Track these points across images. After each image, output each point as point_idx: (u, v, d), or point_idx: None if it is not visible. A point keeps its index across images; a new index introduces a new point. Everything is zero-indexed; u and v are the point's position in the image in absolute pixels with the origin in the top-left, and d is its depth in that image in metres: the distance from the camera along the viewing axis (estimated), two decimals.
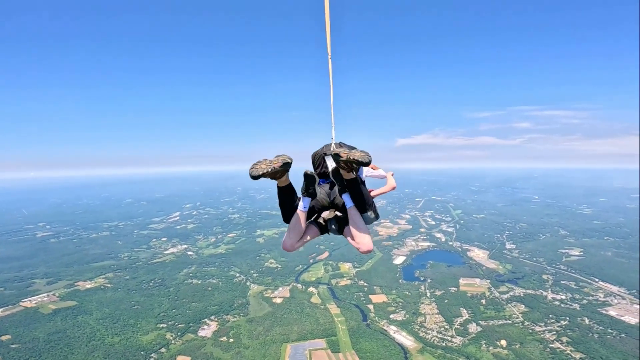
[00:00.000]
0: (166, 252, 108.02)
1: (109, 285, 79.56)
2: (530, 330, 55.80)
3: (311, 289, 75.05)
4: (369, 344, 52.58)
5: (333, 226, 5.16)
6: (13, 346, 50.88)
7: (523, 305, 63.16)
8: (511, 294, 68.35)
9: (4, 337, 53.13)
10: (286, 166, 4.39)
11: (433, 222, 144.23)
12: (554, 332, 52.94)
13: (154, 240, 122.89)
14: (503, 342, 51.79)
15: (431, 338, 54.20)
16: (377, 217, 4.93)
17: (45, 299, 70.84)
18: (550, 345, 49.81)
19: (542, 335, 53.32)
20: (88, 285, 79.69)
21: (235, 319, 61.86)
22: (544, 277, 76.25)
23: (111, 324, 59.34)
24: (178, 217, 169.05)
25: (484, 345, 51.78)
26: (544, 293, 67.93)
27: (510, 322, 58.32)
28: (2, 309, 64.43)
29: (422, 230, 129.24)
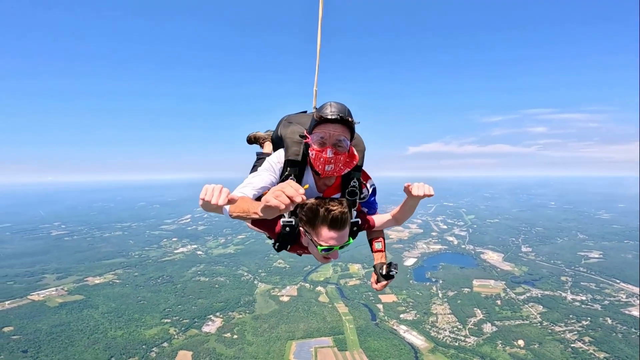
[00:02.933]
0: (176, 251, 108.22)
1: (117, 281, 79.58)
2: (550, 331, 53.46)
3: (319, 288, 73.53)
4: (377, 342, 50.75)
5: None
6: (14, 337, 50.54)
7: (541, 306, 60.58)
8: (528, 294, 65.81)
9: (6, 329, 52.94)
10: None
11: (445, 227, 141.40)
12: (575, 332, 50.82)
13: (165, 240, 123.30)
14: (520, 342, 49.50)
15: (443, 338, 52.08)
16: None
17: (54, 292, 71.06)
18: (572, 345, 47.69)
19: (562, 335, 51.05)
20: (97, 280, 79.87)
21: (240, 315, 60.76)
22: (563, 278, 73.47)
23: (115, 318, 58.82)
24: (189, 219, 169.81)
25: (499, 345, 49.55)
26: (563, 294, 65.27)
27: (527, 322, 55.93)
28: (9, 302, 64.56)
29: (433, 234, 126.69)
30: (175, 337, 52.64)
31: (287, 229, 3.08)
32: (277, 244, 3.27)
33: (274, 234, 3.19)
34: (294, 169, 3.14)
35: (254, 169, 3.63)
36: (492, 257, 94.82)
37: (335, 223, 2.82)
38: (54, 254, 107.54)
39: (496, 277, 77.18)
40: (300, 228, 2.99)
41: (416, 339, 51.77)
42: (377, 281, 3.67)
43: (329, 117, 2.78)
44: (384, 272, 3.52)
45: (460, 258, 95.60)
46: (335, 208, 2.85)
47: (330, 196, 3.22)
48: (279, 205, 2.15)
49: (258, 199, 3.03)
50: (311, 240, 2.98)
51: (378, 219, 3.65)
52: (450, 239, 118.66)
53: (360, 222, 3.40)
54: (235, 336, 53.14)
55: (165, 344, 50.50)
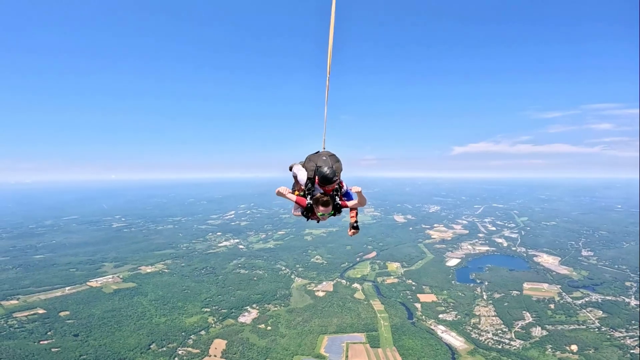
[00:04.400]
0: (220, 244, 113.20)
1: (166, 270, 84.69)
2: (608, 336, 48.93)
3: (355, 285, 72.80)
4: (412, 341, 48.63)
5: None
6: (68, 321, 54.86)
7: (600, 311, 55.63)
8: (586, 299, 60.69)
9: (62, 313, 57.73)
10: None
11: (493, 228, 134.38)
12: (637, 339, 46.02)
13: (210, 234, 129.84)
14: (574, 347, 45.59)
15: (485, 340, 48.97)
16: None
17: (110, 280, 77.04)
18: (632, 351, 43.14)
19: (622, 341, 46.51)
20: (149, 269, 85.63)
21: (276, 308, 61.80)
22: (627, 284, 67.27)
23: (161, 305, 62.28)
24: (233, 215, 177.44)
25: (549, 350, 45.90)
26: (627, 300, 59.45)
27: (584, 327, 51.66)
28: (69, 287, 70.83)
29: (480, 235, 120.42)
30: (213, 325, 54.51)
31: (309, 205, 6.40)
32: (305, 212, 6.60)
33: (304, 208, 6.48)
34: (310, 181, 6.49)
35: (295, 178, 7.18)
36: (547, 260, 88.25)
37: (323, 204, 6.11)
38: (113, 244, 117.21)
39: (551, 280, 71.58)
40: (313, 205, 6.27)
41: (455, 340, 48.93)
42: (350, 230, 7.03)
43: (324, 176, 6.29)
44: (353, 224, 6.86)
45: (509, 260, 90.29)
46: (323, 197, 6.12)
47: (329, 192, 6.44)
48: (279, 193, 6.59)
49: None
50: (315, 211, 6.28)
51: (350, 203, 6.64)
52: (499, 240, 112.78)
53: (340, 204, 6.52)
54: (269, 327, 53.92)
55: (202, 332, 52.30)
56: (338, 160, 6.53)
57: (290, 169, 7.42)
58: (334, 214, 6.53)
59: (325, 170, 6.12)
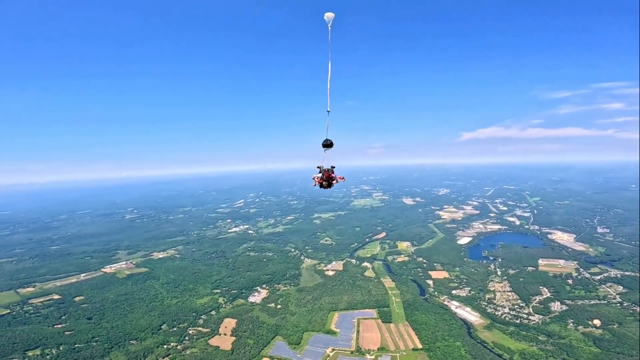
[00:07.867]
0: (230, 230, 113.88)
1: (177, 255, 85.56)
2: (631, 311, 47.22)
3: (365, 264, 72.34)
4: (425, 316, 47.72)
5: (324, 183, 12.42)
6: (83, 305, 55.91)
7: (621, 287, 53.92)
8: (605, 275, 59.02)
9: (77, 298, 58.92)
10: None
11: (505, 208, 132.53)
12: None
13: (220, 221, 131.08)
14: (596, 322, 44.09)
15: (502, 315, 47.88)
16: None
17: (123, 266, 78.32)
18: None
19: None
20: (161, 255, 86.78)
21: (285, 288, 61.67)
22: None
23: (173, 288, 62.84)
24: (242, 204, 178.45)
25: (570, 324, 44.54)
26: None
27: (605, 302, 50.12)
28: (84, 274, 72.42)
29: (491, 215, 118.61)
30: (223, 306, 54.75)
31: (322, 181, 12.82)
32: (320, 185, 13.02)
33: (319, 182, 12.93)
34: (321, 173, 12.66)
35: (318, 174, 13.01)
36: (562, 237, 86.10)
37: (325, 179, 12.76)
38: (126, 234, 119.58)
39: (567, 257, 69.81)
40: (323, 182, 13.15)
41: (470, 315, 47.84)
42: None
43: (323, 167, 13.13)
44: (340, 181, 13.81)
45: (522, 238, 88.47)
46: (325, 176, 12.89)
47: (326, 176, 13.03)
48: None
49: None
50: (323, 181, 12.96)
51: (335, 180, 13.13)
52: (511, 219, 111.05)
53: (331, 181, 13.11)
54: (279, 306, 53.79)
55: (213, 312, 52.52)
56: (332, 166, 12.37)
57: (318, 168, 13.13)
58: (329, 185, 12.41)
59: (325, 167, 12.14)
